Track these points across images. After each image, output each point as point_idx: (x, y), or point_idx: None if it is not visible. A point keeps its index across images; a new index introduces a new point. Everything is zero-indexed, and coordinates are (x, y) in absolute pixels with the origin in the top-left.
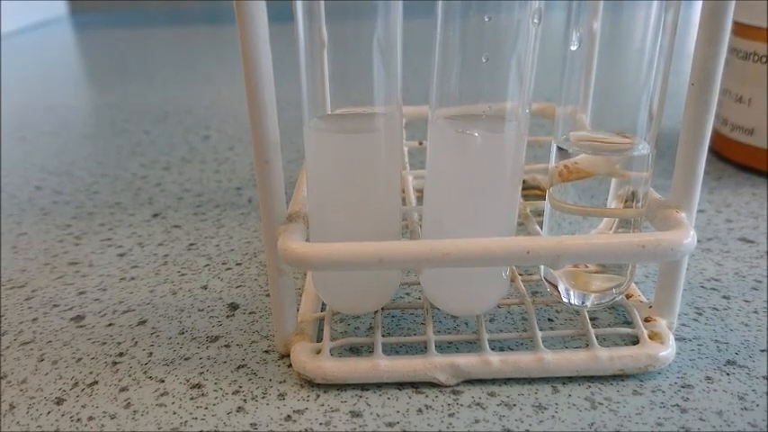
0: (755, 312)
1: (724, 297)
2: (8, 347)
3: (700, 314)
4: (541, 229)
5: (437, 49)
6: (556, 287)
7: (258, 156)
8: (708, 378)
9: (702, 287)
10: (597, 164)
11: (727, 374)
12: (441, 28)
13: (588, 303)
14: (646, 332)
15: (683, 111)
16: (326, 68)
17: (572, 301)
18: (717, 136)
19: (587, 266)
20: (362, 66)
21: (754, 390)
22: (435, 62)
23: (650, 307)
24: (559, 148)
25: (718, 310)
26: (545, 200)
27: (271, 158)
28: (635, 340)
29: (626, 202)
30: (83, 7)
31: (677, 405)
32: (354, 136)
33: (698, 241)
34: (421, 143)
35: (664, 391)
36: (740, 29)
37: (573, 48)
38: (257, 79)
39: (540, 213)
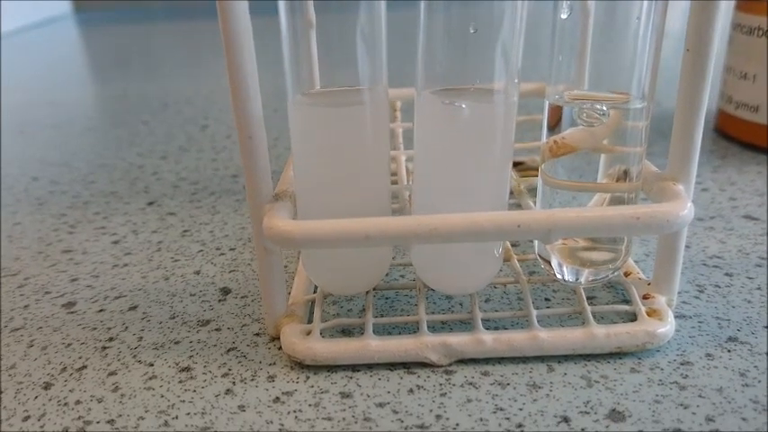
0: (759, 289)
1: (726, 274)
2: None
3: (701, 291)
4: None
5: (422, 21)
6: (549, 263)
7: (242, 132)
8: (708, 355)
9: (704, 265)
10: (584, 138)
11: (728, 351)
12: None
13: (582, 279)
14: (644, 309)
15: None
16: (314, 48)
17: (566, 278)
18: (721, 114)
19: (577, 241)
20: (347, 45)
21: (756, 366)
22: (420, 34)
23: (649, 284)
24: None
25: (720, 287)
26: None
27: (254, 134)
28: (633, 317)
29: (617, 180)
30: (86, 5)
31: (676, 382)
32: (338, 109)
33: (701, 219)
34: None
35: (662, 369)
36: (743, 3)
37: (563, 16)
38: (238, 53)
39: (535, 191)
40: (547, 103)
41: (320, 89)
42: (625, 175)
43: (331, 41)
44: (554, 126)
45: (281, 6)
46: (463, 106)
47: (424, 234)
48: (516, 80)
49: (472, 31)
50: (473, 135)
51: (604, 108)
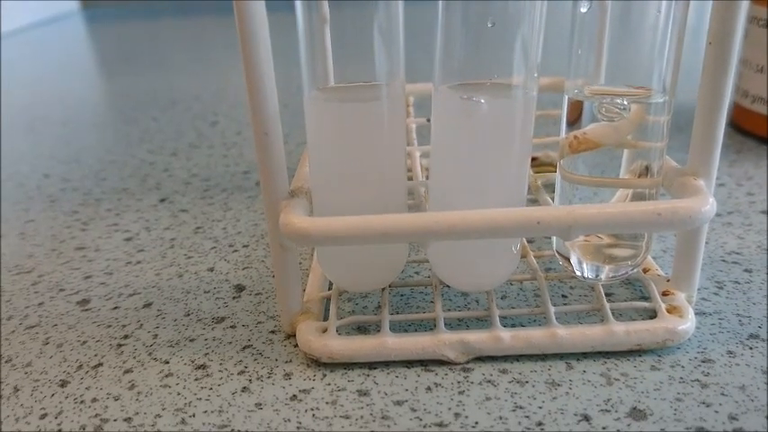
0: None
1: (746, 270)
2: (13, 331)
3: (720, 288)
4: (554, 202)
5: (441, 15)
6: (568, 260)
7: (257, 128)
8: (729, 352)
9: (723, 261)
10: (607, 134)
11: (750, 348)
12: None
13: (602, 276)
14: (664, 306)
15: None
16: (328, 43)
17: (585, 275)
18: (737, 108)
19: (601, 237)
20: (363, 41)
21: None
22: (439, 29)
23: (668, 280)
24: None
25: (739, 283)
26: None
27: (270, 131)
28: (652, 314)
29: (639, 177)
30: (94, 2)
31: (697, 380)
32: (355, 105)
33: (718, 215)
34: (429, 120)
35: (683, 366)
36: None
37: (583, 9)
38: (254, 51)
39: (553, 187)
40: (566, 97)
41: (337, 84)
42: (647, 170)
43: (348, 36)
44: (573, 121)
45: (298, 2)
46: (482, 101)
47: (443, 231)
48: (536, 75)
49: (490, 26)
50: (492, 130)
51: (625, 102)
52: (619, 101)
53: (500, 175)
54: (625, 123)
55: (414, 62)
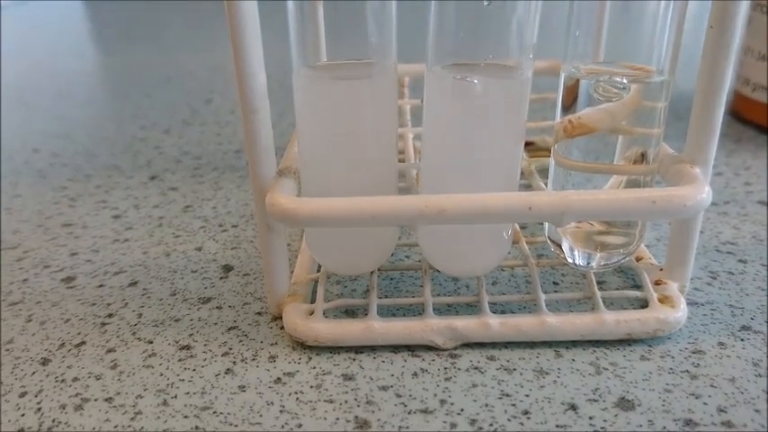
0: None
1: (740, 261)
2: None
3: (714, 278)
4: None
5: None
6: (560, 246)
7: (245, 105)
8: (720, 344)
9: (718, 251)
10: (602, 118)
11: (741, 340)
12: None
13: (594, 264)
14: (656, 295)
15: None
16: (320, 20)
17: (577, 262)
18: (737, 97)
19: (592, 224)
20: (356, 17)
21: None
22: (432, 7)
23: (661, 270)
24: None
25: (733, 274)
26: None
27: (258, 108)
28: (644, 304)
29: (634, 163)
30: None
31: (687, 371)
32: (345, 82)
33: (714, 204)
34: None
35: (673, 357)
36: None
37: None
38: (241, 22)
39: (547, 173)
40: (562, 79)
41: (327, 62)
42: (642, 157)
43: (339, 13)
44: (569, 105)
45: None
46: (475, 82)
47: (433, 215)
48: (531, 56)
49: (486, 4)
50: (485, 112)
51: (624, 81)
52: (618, 80)
53: (492, 158)
54: (620, 108)
55: (410, 42)
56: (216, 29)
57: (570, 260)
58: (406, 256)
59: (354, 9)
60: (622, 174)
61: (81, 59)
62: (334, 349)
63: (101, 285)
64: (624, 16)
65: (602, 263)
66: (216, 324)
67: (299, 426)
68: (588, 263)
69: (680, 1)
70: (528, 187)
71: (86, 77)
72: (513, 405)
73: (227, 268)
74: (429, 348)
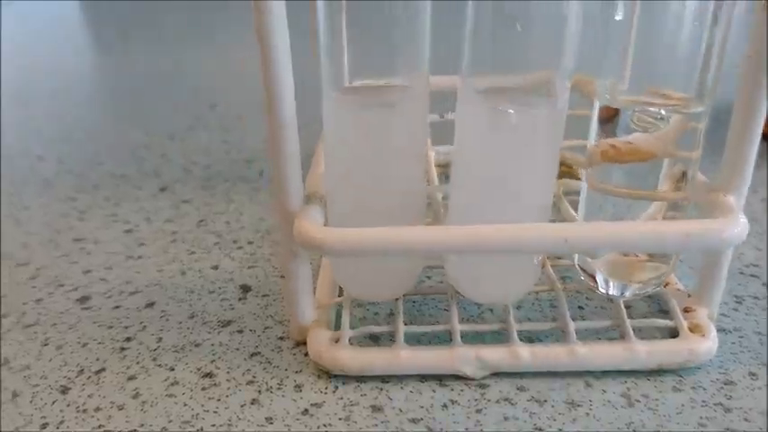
0: None
1: (764, 284)
2: (10, 330)
3: (740, 303)
4: (575, 210)
5: (470, 14)
6: (592, 276)
7: (273, 120)
8: (752, 374)
9: (741, 273)
10: (656, 144)
11: None
12: None
13: (628, 294)
14: (686, 323)
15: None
16: (347, 42)
17: (610, 292)
18: None
19: (637, 255)
20: (383, 32)
21: None
22: (468, 27)
23: (689, 296)
24: (602, 120)
25: (758, 299)
26: (575, 178)
27: (287, 123)
28: (673, 332)
29: (677, 182)
30: None
31: (720, 404)
32: (376, 110)
33: None
34: (442, 116)
35: (705, 389)
36: None
37: (617, 17)
38: (270, 30)
39: (571, 193)
40: (597, 105)
41: (357, 85)
42: (683, 176)
43: (369, 33)
44: (605, 129)
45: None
46: (510, 111)
47: (468, 247)
48: (567, 83)
49: (519, 29)
50: (520, 142)
51: (662, 112)
52: (654, 110)
53: (527, 186)
54: (671, 135)
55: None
56: (215, 30)
57: (603, 290)
58: (428, 276)
59: (387, 29)
60: (657, 200)
61: (80, 61)
62: (361, 378)
63: (117, 306)
64: (659, 43)
65: (636, 292)
66: (237, 350)
67: None
68: (622, 293)
69: (722, 29)
70: (554, 208)
71: (86, 78)
72: None
73: (246, 288)
74: (457, 378)
